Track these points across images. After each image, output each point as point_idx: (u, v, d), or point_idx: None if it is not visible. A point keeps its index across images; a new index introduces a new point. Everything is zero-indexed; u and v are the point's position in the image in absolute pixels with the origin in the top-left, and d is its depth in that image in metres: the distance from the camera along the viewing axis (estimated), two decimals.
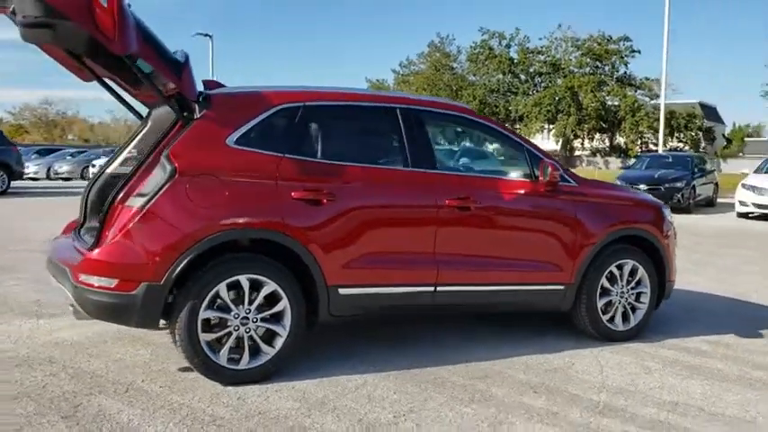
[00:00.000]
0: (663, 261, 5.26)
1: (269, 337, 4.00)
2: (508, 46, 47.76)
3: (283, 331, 4.00)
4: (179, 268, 3.73)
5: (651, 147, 45.34)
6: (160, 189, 3.76)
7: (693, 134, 46.16)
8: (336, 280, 4.12)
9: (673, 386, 4.16)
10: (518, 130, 48.68)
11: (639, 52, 46.30)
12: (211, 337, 3.86)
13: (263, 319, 3.96)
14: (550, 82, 47.35)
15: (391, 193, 4.34)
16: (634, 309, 5.17)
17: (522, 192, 4.71)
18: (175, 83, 3.88)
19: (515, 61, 47.55)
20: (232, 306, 3.89)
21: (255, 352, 3.96)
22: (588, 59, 46.26)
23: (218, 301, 3.87)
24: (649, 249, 5.21)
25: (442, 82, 48.53)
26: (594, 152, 49.14)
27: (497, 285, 4.66)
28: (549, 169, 4.66)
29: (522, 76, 48.17)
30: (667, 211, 5.45)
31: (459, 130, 4.77)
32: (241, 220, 3.89)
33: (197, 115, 3.99)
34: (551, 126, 46.93)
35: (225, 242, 3.85)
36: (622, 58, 46.31)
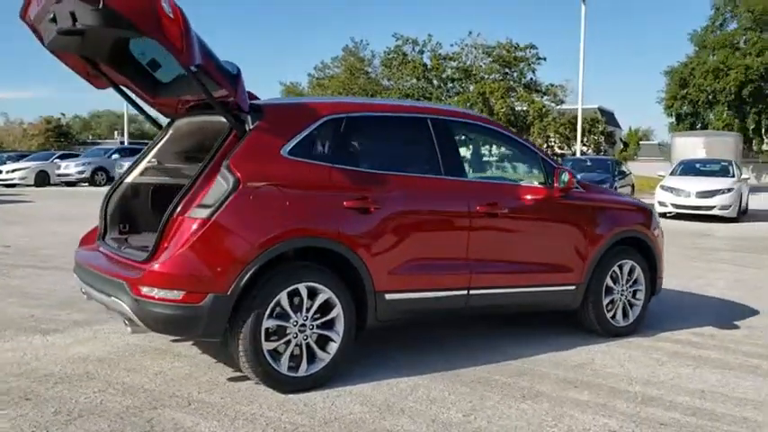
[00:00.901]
0: (655, 260, 5.68)
1: (323, 344, 4.08)
2: (421, 52, 48.57)
3: (337, 337, 4.09)
4: (245, 278, 3.75)
5: (557, 150, 47.39)
6: (225, 200, 3.76)
7: (596, 138, 48.48)
8: (383, 286, 4.24)
9: (689, 376, 4.53)
10: None
11: (545, 59, 48.21)
12: (273, 345, 3.90)
13: (318, 326, 4.03)
14: (462, 88, 48.57)
15: (430, 200, 4.51)
16: (632, 305, 5.55)
17: (541, 197, 4.97)
18: (232, 94, 3.90)
19: (428, 67, 48.44)
20: (291, 314, 3.94)
21: (312, 359, 4.03)
22: (497, 66, 47.74)
23: (278, 309, 3.91)
24: (644, 249, 5.61)
25: (357, 86, 48.79)
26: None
27: (520, 287, 4.92)
28: (567, 176, 4.95)
29: (436, 82, 49.12)
30: (656, 214, 5.88)
31: (477, 137, 4.98)
32: (303, 230, 3.96)
33: (250, 126, 4.01)
34: None
35: (286, 251, 3.91)
36: (530, 65, 48.08)
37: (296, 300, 3.96)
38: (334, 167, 4.16)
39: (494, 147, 5.21)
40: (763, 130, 45.05)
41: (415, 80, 48.86)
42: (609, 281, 5.38)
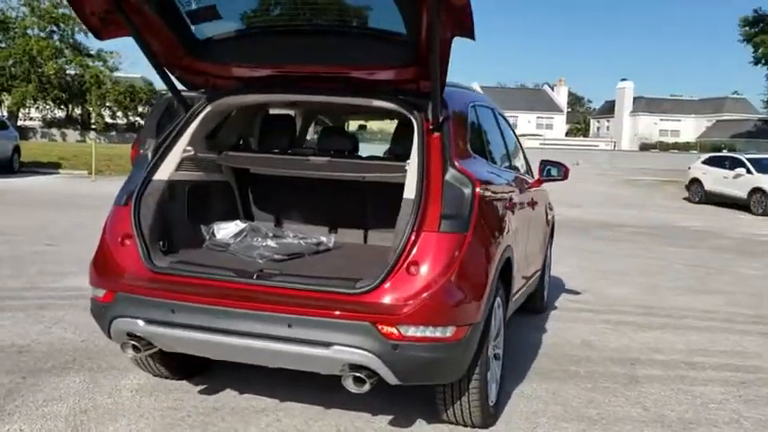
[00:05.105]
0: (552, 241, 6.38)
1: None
2: None
3: (501, 353, 3.67)
4: (492, 301, 3.10)
5: (117, 121, 44.92)
6: (471, 208, 2.99)
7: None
8: (515, 287, 3.96)
9: (668, 340, 5.27)
10: None
11: None
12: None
13: (494, 346, 3.56)
14: (2, 43, 41.69)
15: (523, 193, 4.36)
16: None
17: (536, 188, 5.13)
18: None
19: None
20: (492, 335, 3.40)
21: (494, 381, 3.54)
22: (44, 23, 42.27)
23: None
24: (552, 231, 6.23)
25: None
26: (50, 123, 45.47)
27: (534, 276, 5.06)
28: (562, 170, 5.19)
29: None
30: None
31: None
32: (507, 237, 3.42)
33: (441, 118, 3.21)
34: (8, 95, 41.22)
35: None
36: (79, 24, 43.96)
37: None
38: (489, 162, 3.68)
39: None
40: None
41: None
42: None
